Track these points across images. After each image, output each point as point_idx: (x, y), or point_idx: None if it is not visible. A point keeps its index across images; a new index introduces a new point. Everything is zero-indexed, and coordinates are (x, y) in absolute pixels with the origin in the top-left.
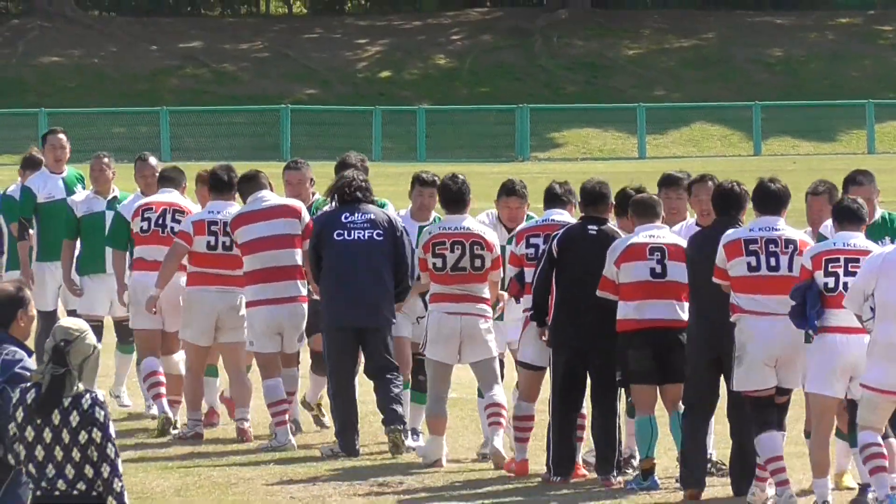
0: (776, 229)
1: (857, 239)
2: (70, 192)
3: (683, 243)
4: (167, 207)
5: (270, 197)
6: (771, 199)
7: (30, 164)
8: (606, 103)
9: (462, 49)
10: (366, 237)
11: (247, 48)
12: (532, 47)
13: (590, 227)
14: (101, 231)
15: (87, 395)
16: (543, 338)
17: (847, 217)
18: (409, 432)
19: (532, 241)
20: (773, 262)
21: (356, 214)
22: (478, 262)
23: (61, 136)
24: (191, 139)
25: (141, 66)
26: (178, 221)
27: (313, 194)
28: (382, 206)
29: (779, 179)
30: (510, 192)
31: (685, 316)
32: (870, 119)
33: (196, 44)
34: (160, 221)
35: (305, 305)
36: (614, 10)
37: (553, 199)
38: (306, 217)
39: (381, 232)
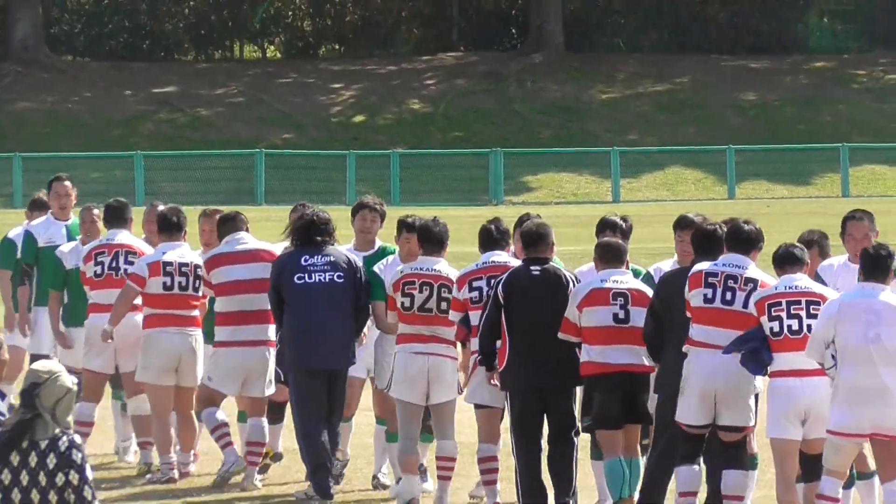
0: (740, 266)
1: (800, 281)
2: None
3: (647, 289)
4: (119, 249)
5: (248, 240)
6: (742, 239)
7: (36, 207)
8: (580, 147)
9: (436, 93)
10: (326, 280)
11: (221, 93)
12: (506, 91)
13: (532, 268)
14: None
15: (65, 438)
16: (493, 382)
17: (787, 261)
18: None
19: (475, 284)
20: (728, 296)
21: (316, 257)
22: (444, 305)
23: (66, 183)
24: (165, 184)
25: (115, 111)
26: (132, 263)
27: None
28: (392, 252)
29: (753, 222)
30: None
31: (648, 361)
32: (844, 162)
33: (170, 89)
34: (113, 265)
35: (272, 350)
36: (588, 54)
37: (490, 241)
38: None
39: (341, 274)
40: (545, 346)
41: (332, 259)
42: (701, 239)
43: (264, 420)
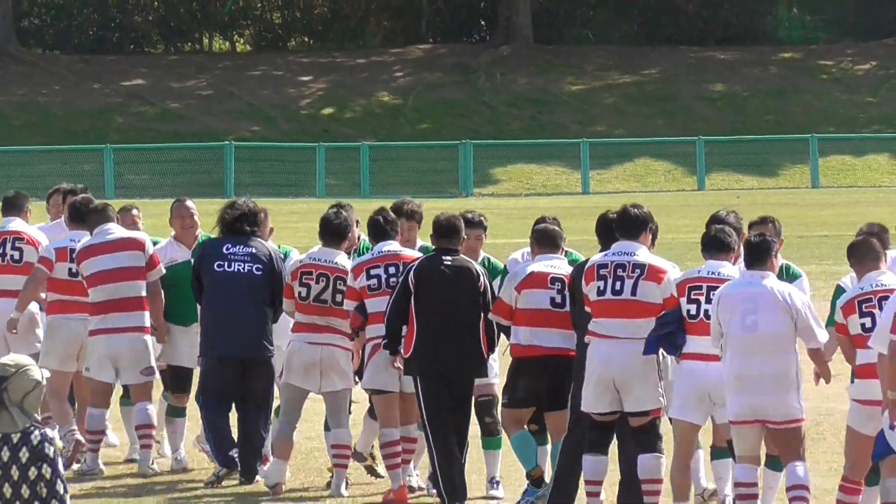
0: (629, 254)
1: (725, 268)
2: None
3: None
4: (7, 236)
5: (116, 230)
6: (630, 224)
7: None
8: (550, 139)
9: (405, 85)
10: (245, 270)
11: (191, 85)
12: (475, 83)
13: (444, 258)
14: (186, 281)
15: (37, 432)
16: (397, 364)
17: (715, 247)
18: (490, 481)
19: (373, 272)
20: (617, 286)
21: (238, 247)
22: (339, 297)
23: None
24: (135, 176)
25: (85, 104)
26: (19, 249)
27: (359, 237)
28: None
29: (641, 206)
30: (468, 223)
31: (574, 346)
32: (813, 154)
33: (140, 82)
34: (1, 251)
35: (146, 337)
36: (558, 45)
37: (381, 232)
38: (150, 249)
39: (260, 266)
40: (451, 334)
41: (253, 251)
42: (601, 226)
43: (149, 405)
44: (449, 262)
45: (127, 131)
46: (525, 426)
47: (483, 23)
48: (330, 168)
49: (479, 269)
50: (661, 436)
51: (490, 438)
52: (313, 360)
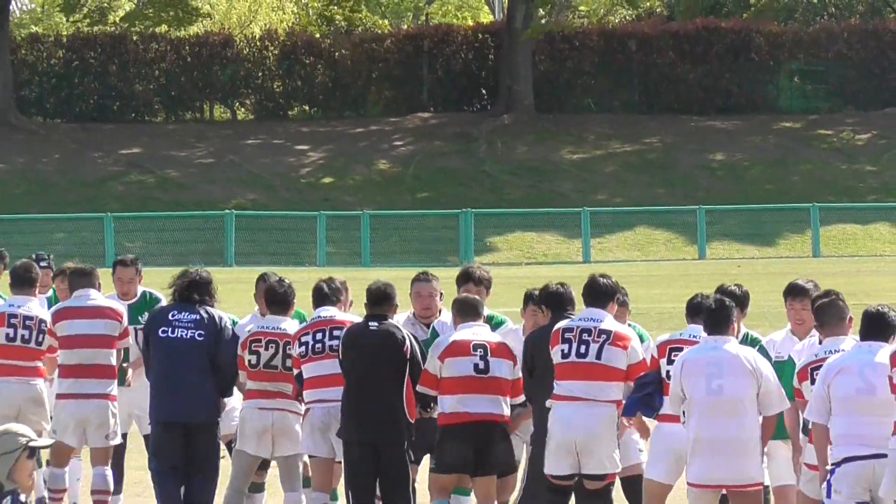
0: (595, 320)
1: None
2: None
3: (504, 341)
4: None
5: (97, 296)
6: (597, 292)
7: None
8: (550, 207)
9: (406, 154)
10: (188, 336)
11: (191, 154)
12: (476, 152)
13: (371, 323)
14: None
15: (8, 498)
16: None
17: (698, 312)
18: None
19: (303, 339)
20: (582, 349)
21: (183, 313)
22: (288, 362)
23: (130, 267)
24: (135, 245)
25: (86, 172)
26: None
27: (440, 311)
28: (499, 322)
29: (609, 276)
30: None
31: (507, 411)
32: (814, 223)
33: (140, 150)
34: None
35: (115, 404)
36: (558, 114)
37: (322, 298)
38: (126, 321)
39: (202, 333)
40: (376, 400)
41: (198, 318)
42: (547, 298)
43: (106, 470)
44: (375, 327)
45: (127, 199)
46: (448, 494)
47: (484, 92)
48: (330, 237)
49: (406, 334)
50: (612, 501)
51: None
52: (265, 426)
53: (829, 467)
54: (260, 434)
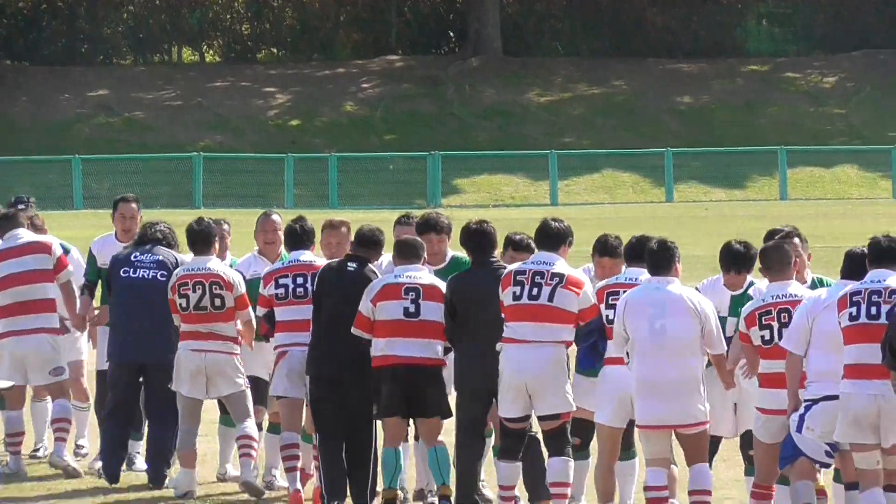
0: (547, 263)
1: (644, 275)
2: None
3: (440, 284)
4: None
5: (24, 234)
6: (549, 236)
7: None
8: (517, 150)
9: (374, 97)
10: (150, 276)
11: (159, 96)
12: (444, 95)
13: (350, 264)
14: None
15: None
16: None
17: (635, 255)
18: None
19: (281, 281)
20: (535, 291)
21: (146, 255)
22: (218, 302)
23: (133, 205)
24: (102, 187)
25: (54, 114)
26: None
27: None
28: (465, 262)
29: (561, 220)
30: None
31: (439, 355)
32: (782, 166)
33: (108, 92)
34: None
35: (55, 338)
36: (526, 58)
37: (297, 241)
38: (57, 252)
39: (165, 273)
40: (343, 339)
41: (160, 258)
42: (468, 239)
43: (67, 401)
44: (352, 269)
45: (95, 142)
46: (398, 442)
47: (452, 35)
48: (298, 179)
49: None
50: (570, 440)
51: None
52: (198, 367)
53: (805, 402)
54: (194, 375)
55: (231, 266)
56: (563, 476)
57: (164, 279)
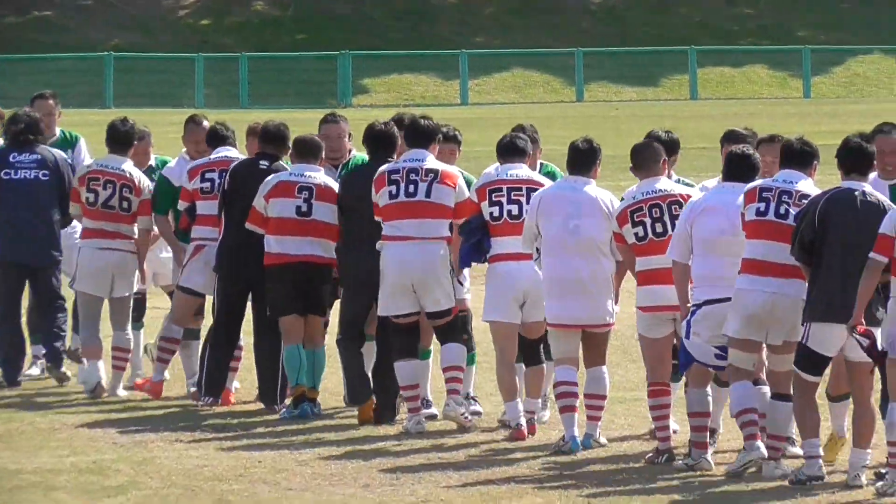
0: (419, 160)
1: (520, 170)
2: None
3: (334, 185)
4: None
5: None
6: (419, 133)
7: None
8: (429, 50)
9: None
10: (32, 176)
11: None
12: None
13: (262, 162)
14: None
15: None
16: None
17: (510, 151)
18: (466, 397)
19: (207, 175)
20: (411, 189)
21: (24, 154)
22: (125, 204)
23: (50, 101)
24: (14, 87)
25: None
26: None
27: (350, 151)
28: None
29: (430, 117)
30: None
31: (331, 254)
32: (692, 65)
33: None
34: None
35: None
36: None
37: (220, 138)
38: None
39: (46, 172)
40: (259, 238)
41: (39, 157)
42: (371, 140)
43: None
44: (265, 166)
45: (4, 41)
46: (299, 339)
47: None
48: (209, 79)
49: None
50: (470, 332)
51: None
52: (104, 265)
53: (690, 307)
54: (98, 273)
55: (160, 166)
56: (458, 360)
57: (45, 178)
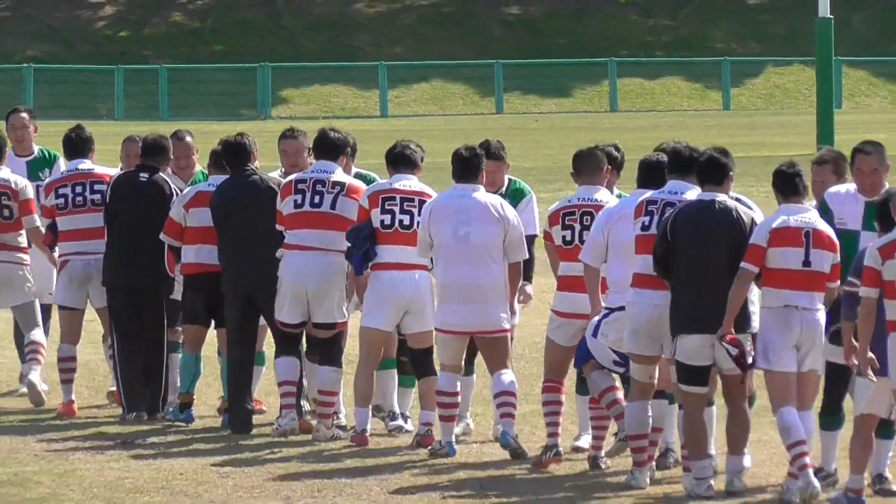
0: (327, 172)
1: (411, 181)
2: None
3: None
4: None
5: None
6: (327, 146)
7: None
8: (347, 62)
9: (203, 7)
10: None
11: None
12: (274, 5)
13: (142, 174)
14: None
15: None
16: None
17: (401, 161)
18: (395, 415)
19: (60, 191)
20: (316, 199)
21: None
22: (6, 212)
23: (24, 115)
24: None
25: None
26: None
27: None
28: (371, 180)
29: (339, 129)
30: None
31: None
32: (612, 77)
33: None
34: None
35: None
36: None
37: (75, 150)
38: None
39: None
40: (138, 248)
41: None
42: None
43: None
44: (144, 179)
45: None
46: (198, 348)
47: None
48: (128, 90)
49: (174, 189)
50: (343, 350)
51: (404, 377)
52: None
53: (604, 309)
54: None
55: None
56: (334, 385)
57: None
